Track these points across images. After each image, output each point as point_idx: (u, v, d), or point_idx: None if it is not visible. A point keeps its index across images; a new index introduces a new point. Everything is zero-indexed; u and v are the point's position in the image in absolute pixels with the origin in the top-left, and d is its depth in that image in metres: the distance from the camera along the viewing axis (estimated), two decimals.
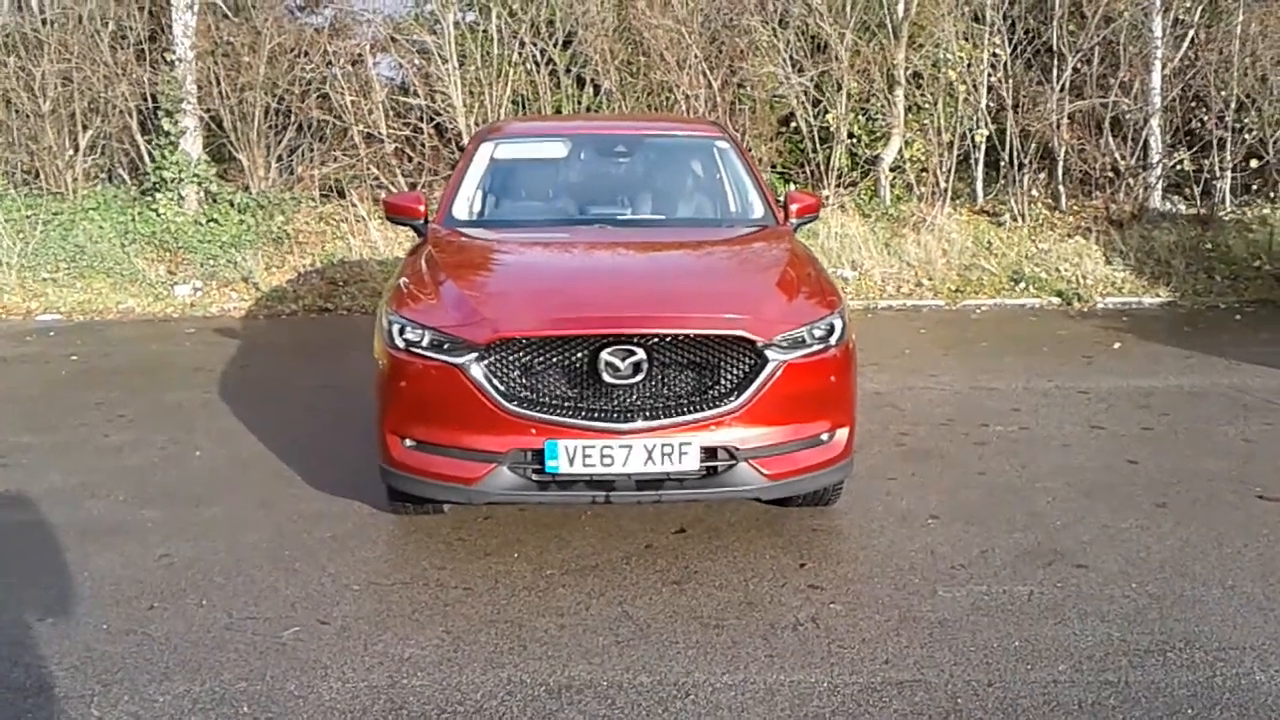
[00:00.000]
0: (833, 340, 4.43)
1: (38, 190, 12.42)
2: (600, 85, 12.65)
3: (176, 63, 12.37)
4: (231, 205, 12.30)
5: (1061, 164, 12.31)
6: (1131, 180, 12.25)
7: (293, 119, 12.74)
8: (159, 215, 12.16)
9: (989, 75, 12.13)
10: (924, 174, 12.26)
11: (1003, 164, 12.35)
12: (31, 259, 11.57)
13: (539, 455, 4.16)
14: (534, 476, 4.20)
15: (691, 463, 4.17)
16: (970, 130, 12.27)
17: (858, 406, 4.73)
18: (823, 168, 12.39)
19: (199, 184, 12.42)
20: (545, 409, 4.17)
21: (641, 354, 4.12)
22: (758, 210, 5.72)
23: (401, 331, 4.35)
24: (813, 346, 4.36)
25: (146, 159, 12.57)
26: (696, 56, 12.13)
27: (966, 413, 6.78)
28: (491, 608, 4.09)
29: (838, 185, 12.35)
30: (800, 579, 4.32)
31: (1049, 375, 7.69)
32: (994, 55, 12.07)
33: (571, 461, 4.14)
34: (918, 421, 6.59)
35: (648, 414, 4.17)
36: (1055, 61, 12.12)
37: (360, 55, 12.84)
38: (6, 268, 11.40)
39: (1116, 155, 12.24)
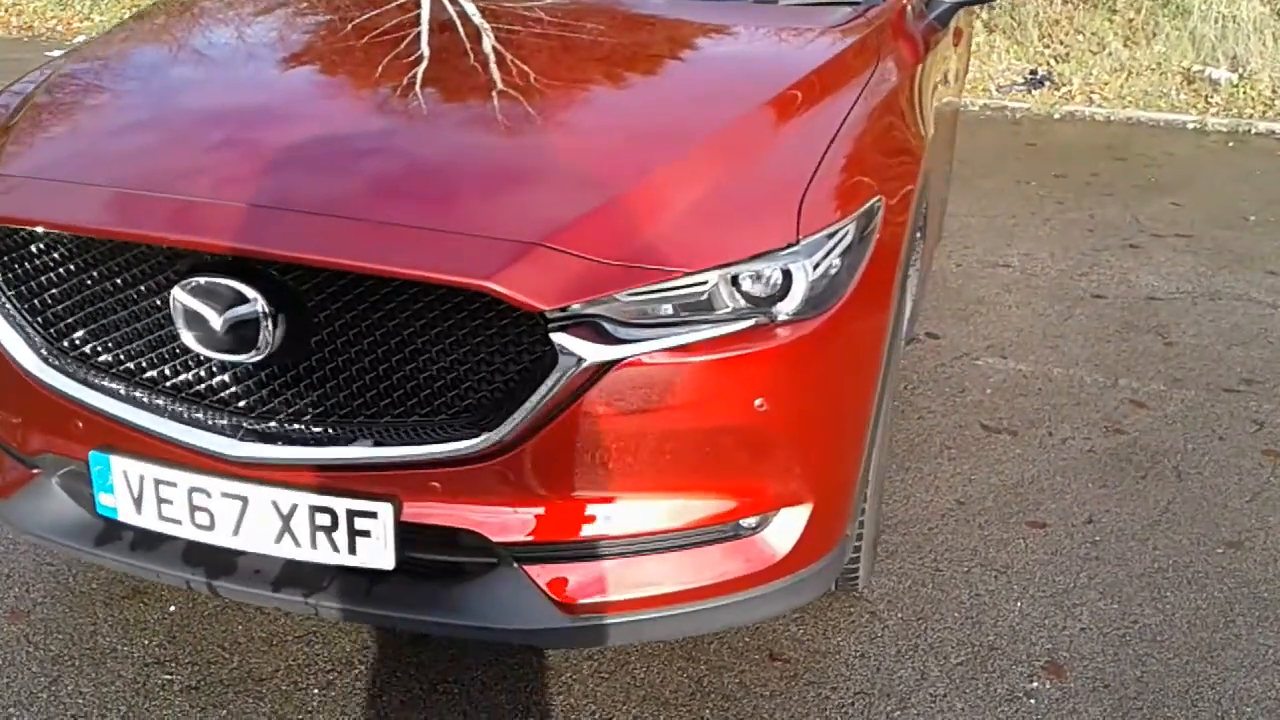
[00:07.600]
0: (784, 306, 1.79)
1: None
2: None
3: None
4: None
5: None
6: None
7: None
8: None
9: None
10: None
11: None
12: None
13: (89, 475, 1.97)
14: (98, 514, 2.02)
15: (375, 553, 1.83)
16: None
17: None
18: None
19: None
20: (98, 382, 1.93)
21: (261, 303, 1.75)
22: None
23: None
24: (727, 323, 1.78)
25: None
26: None
27: None
28: None
29: None
30: None
31: None
32: None
33: (138, 504, 1.91)
34: (1183, 378, 3.70)
35: (291, 432, 1.84)
36: None
37: None
38: None
39: None
